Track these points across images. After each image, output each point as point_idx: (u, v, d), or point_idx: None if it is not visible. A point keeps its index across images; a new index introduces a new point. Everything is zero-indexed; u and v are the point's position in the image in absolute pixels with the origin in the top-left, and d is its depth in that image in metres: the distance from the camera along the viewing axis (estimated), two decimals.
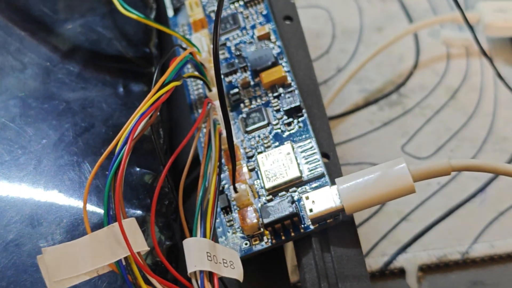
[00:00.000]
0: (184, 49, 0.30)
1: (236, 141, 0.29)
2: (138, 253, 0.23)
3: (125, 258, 0.23)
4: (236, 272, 0.25)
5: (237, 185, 0.28)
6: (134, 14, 0.31)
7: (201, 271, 0.24)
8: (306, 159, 0.28)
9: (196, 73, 0.30)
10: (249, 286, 0.27)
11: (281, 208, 0.26)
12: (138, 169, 0.28)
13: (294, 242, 0.27)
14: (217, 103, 0.29)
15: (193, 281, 0.24)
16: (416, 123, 0.41)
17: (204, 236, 0.25)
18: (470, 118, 0.41)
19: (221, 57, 0.32)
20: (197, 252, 0.24)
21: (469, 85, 0.43)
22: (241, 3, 0.33)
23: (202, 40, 0.32)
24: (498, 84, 0.42)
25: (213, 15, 0.34)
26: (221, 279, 0.24)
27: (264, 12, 0.33)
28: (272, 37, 0.32)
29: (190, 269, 0.24)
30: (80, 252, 0.23)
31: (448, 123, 0.41)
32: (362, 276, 0.25)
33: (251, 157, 0.29)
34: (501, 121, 0.41)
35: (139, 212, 0.27)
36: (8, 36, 0.32)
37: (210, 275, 0.24)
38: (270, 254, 0.27)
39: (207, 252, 0.24)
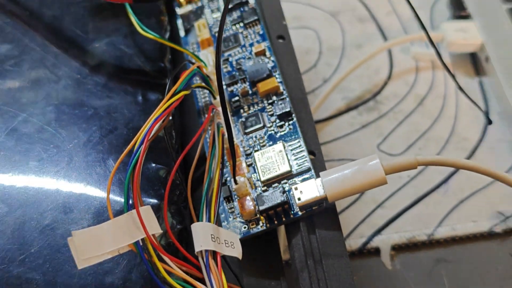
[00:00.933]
0: (193, 63, 0.30)
1: (236, 141, 0.29)
2: (153, 235, 0.23)
3: (142, 239, 0.23)
4: (236, 251, 0.25)
5: (237, 178, 0.28)
6: (151, 35, 0.31)
7: (206, 250, 0.24)
8: (295, 156, 0.28)
9: (203, 84, 0.30)
10: (247, 264, 0.27)
11: (274, 197, 0.27)
12: (153, 164, 0.28)
13: (285, 226, 0.27)
14: (220, 109, 0.29)
15: (200, 258, 0.24)
16: (389, 125, 0.41)
17: (209, 220, 0.25)
18: (435, 121, 0.41)
19: (224, 70, 0.32)
20: (203, 234, 0.24)
21: (434, 93, 0.43)
22: (241, 24, 0.33)
23: (208, 56, 0.32)
24: (459, 92, 0.42)
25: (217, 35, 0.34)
26: (223, 257, 0.24)
27: (261, 32, 0.33)
28: (267, 54, 0.32)
29: (197, 249, 0.24)
30: (104, 234, 0.23)
31: (417, 126, 0.41)
32: (342, 255, 0.25)
33: (249, 154, 0.29)
34: (461, 124, 0.41)
35: (154, 200, 0.27)
36: (45, 53, 0.32)
37: (214, 253, 0.24)
38: (265, 236, 0.27)
39: (211, 234, 0.24)
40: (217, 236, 0.25)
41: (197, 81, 0.30)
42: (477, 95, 0.43)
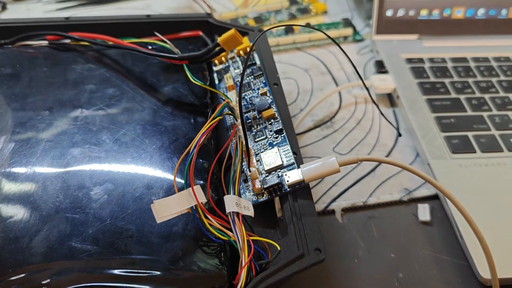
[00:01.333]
0: (224, 100, 0.30)
1: (250, 146, 0.30)
2: (201, 203, 0.23)
3: (195, 205, 0.23)
4: (251, 212, 0.25)
5: (251, 168, 0.28)
6: (198, 82, 0.31)
7: (233, 212, 0.24)
8: (285, 155, 0.28)
9: (230, 112, 0.30)
10: (257, 220, 0.27)
11: (272, 180, 0.27)
12: (201, 160, 0.28)
13: (279, 197, 0.27)
14: (240, 127, 0.29)
15: (229, 217, 0.24)
16: (340, 136, 0.41)
17: (234, 193, 0.26)
18: (367, 134, 0.41)
19: (242, 104, 0.32)
20: (230, 202, 0.24)
21: (366, 117, 0.43)
22: (252, 76, 0.33)
23: (232, 96, 0.32)
24: (381, 116, 0.42)
25: (238, 84, 0.34)
26: (243, 215, 0.25)
27: (263, 81, 0.33)
28: (268, 94, 0.32)
29: (227, 211, 0.24)
30: (172, 202, 0.23)
31: (356, 137, 0.41)
32: (313, 214, 0.25)
33: (257, 154, 0.29)
34: (382, 136, 0.41)
35: (201, 182, 0.27)
36: (135, 93, 0.32)
37: (237, 213, 0.24)
38: (267, 204, 0.27)
39: (235, 202, 0.24)
40: (239, 203, 0.25)
41: (226, 110, 0.31)
42: (392, 118, 0.43)
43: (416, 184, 0.36)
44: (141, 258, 0.23)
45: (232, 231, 0.24)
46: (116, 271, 0.23)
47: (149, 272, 0.23)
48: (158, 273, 0.23)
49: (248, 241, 0.23)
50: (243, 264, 0.22)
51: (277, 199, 0.28)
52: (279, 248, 0.24)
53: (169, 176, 0.27)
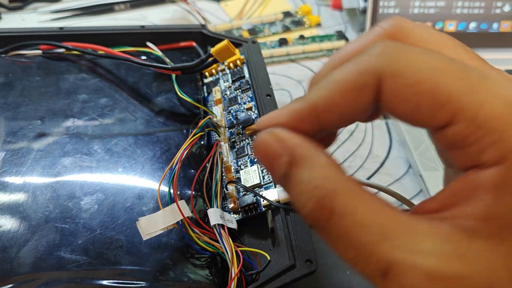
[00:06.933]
0: (207, 116, 0.30)
1: (231, 163, 0.30)
2: (187, 217, 0.23)
3: (181, 220, 0.23)
4: (234, 225, 0.26)
5: (228, 186, 0.28)
6: (184, 96, 0.32)
7: (218, 224, 0.24)
8: (264, 173, 0.28)
9: (212, 128, 0.30)
10: (249, 230, 0.27)
11: (248, 199, 0.27)
12: (193, 170, 0.28)
13: (271, 210, 0.27)
14: (222, 143, 0.30)
15: (214, 229, 0.24)
16: (333, 148, 0.41)
17: (217, 207, 0.26)
18: (360, 146, 0.41)
19: (227, 118, 0.32)
20: (214, 215, 0.24)
21: (359, 129, 0.43)
22: (239, 90, 0.34)
23: (218, 111, 0.33)
24: (374, 129, 0.43)
25: (226, 97, 0.34)
26: (228, 228, 0.25)
27: (251, 95, 0.33)
28: (253, 109, 0.32)
29: (212, 223, 0.24)
30: (157, 219, 0.23)
31: (348, 148, 0.41)
32: (305, 225, 0.25)
33: (238, 171, 0.29)
34: (375, 147, 0.41)
35: (189, 191, 0.27)
36: (128, 103, 0.32)
37: (222, 226, 0.24)
38: (260, 217, 0.27)
39: (219, 215, 0.24)
40: (223, 216, 0.25)
41: (210, 126, 0.31)
42: (385, 130, 0.43)
43: (408, 196, 0.36)
44: (131, 268, 0.23)
45: (218, 242, 0.24)
46: (105, 282, 0.23)
47: (138, 283, 0.23)
48: (148, 284, 0.23)
49: (237, 252, 0.23)
50: (233, 275, 0.22)
51: (269, 213, 0.28)
52: (269, 258, 0.24)
53: (161, 187, 0.27)
